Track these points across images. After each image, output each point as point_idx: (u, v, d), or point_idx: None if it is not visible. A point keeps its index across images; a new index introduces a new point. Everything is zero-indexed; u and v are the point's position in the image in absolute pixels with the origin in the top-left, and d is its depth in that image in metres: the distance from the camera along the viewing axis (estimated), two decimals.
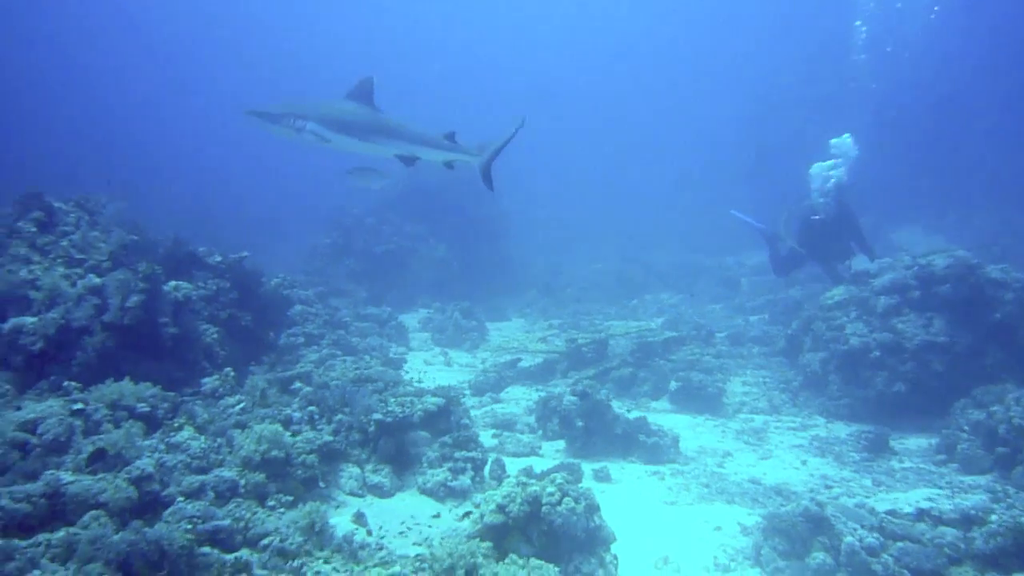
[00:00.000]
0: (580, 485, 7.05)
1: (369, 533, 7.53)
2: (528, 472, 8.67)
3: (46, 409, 7.56)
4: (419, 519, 8.05)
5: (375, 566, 6.26)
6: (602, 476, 9.51)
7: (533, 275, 30.23)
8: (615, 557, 6.65)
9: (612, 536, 6.75)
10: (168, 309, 10.05)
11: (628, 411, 11.59)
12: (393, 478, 8.86)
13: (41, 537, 5.80)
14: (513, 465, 9.57)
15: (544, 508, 6.40)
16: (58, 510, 6.19)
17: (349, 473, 8.70)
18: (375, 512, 8.08)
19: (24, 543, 5.65)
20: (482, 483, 8.97)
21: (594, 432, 10.34)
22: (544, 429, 11.28)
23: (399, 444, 9.07)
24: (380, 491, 8.67)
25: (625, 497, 9.00)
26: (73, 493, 6.28)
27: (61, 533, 5.82)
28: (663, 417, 12.07)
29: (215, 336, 10.83)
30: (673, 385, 13.28)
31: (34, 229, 10.33)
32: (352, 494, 8.50)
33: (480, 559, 5.26)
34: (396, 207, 30.02)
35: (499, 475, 9.12)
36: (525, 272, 30.67)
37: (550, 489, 6.52)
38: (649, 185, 50.76)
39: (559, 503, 6.41)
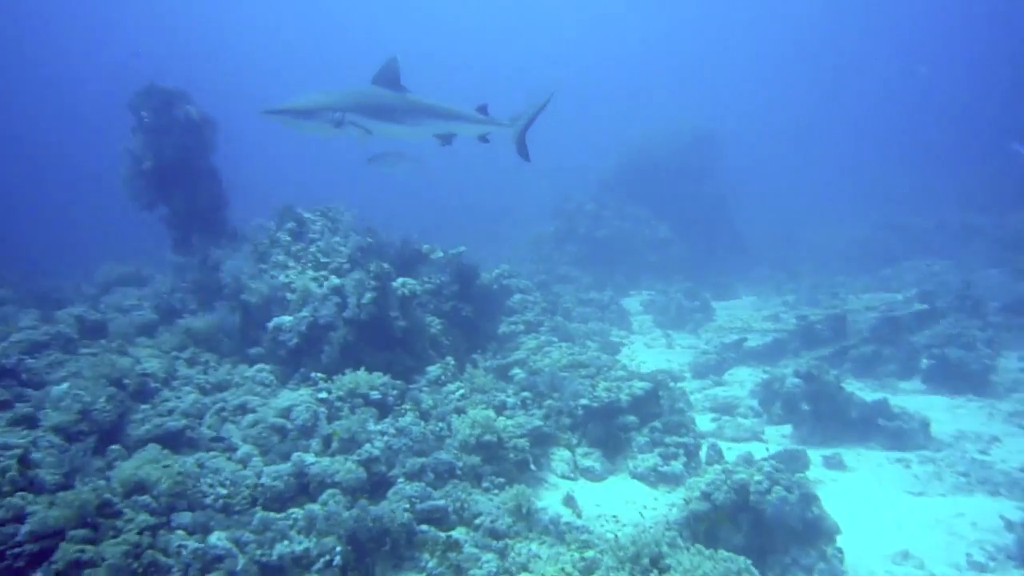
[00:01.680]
0: (806, 473, 6.45)
1: (578, 515, 7.59)
2: (747, 459, 8.09)
3: (298, 397, 8.71)
4: (630, 504, 7.93)
5: (576, 549, 6.27)
6: (833, 463, 8.58)
7: (764, 249, 28.26)
8: (840, 551, 5.97)
9: (836, 528, 6.06)
10: (397, 304, 10.98)
11: (871, 392, 10.31)
12: (604, 462, 8.83)
13: (293, 511, 6.70)
14: (732, 451, 9.02)
15: (752, 497, 5.94)
16: (303, 487, 7.10)
17: (560, 456, 8.84)
18: (585, 495, 8.13)
19: (277, 516, 6.57)
20: (697, 469, 8.58)
21: (824, 416, 9.36)
22: (768, 413, 10.47)
23: (607, 428, 9.00)
24: (591, 475, 8.69)
25: (860, 486, 8.04)
26: (314, 473, 7.16)
27: (309, 508, 6.68)
28: (912, 399, 10.57)
29: (439, 327, 11.63)
30: (925, 363, 11.54)
31: (289, 238, 11.94)
32: (564, 477, 8.64)
33: (665, 548, 5.02)
34: (615, 190, 29.88)
35: (716, 461, 8.64)
36: (756, 246, 28.77)
37: (758, 477, 6.02)
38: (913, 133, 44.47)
39: (768, 491, 5.90)
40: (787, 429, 9.97)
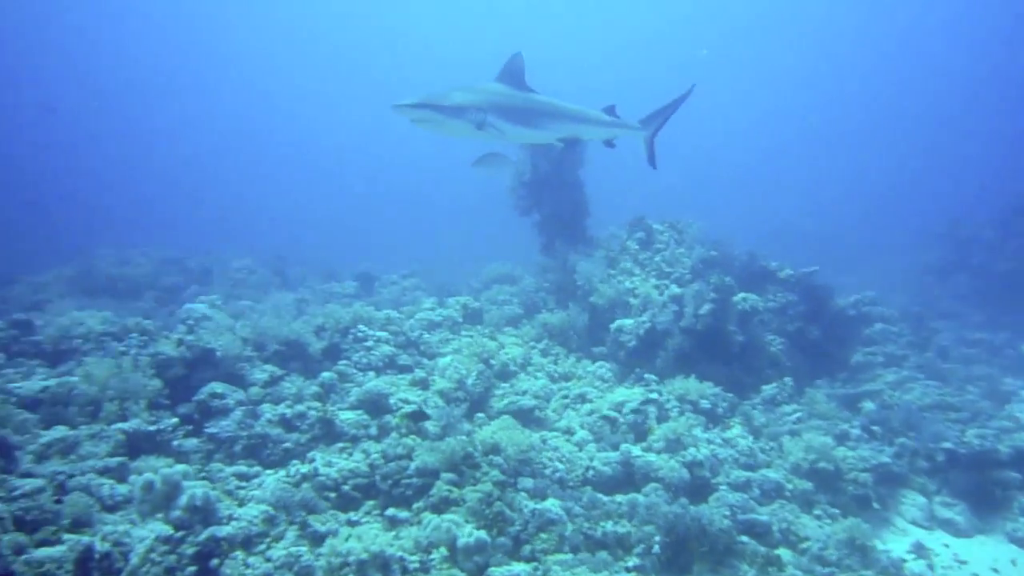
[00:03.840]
0: None
1: (929, 567, 6.72)
2: None
3: (631, 395, 9.23)
4: (1001, 571, 6.73)
5: None
6: None
7: None
8: None
9: None
10: (736, 318, 10.87)
11: None
12: (971, 517, 7.59)
13: (618, 497, 7.22)
14: None
15: None
16: (629, 477, 7.56)
17: (912, 501, 7.86)
18: (942, 548, 7.12)
19: (605, 498, 7.13)
20: None
21: None
22: None
23: (979, 481, 7.70)
24: (952, 528, 7.55)
25: None
26: (639, 466, 7.57)
27: (629, 497, 7.13)
28: None
29: (780, 347, 11.17)
30: None
31: (637, 247, 12.65)
32: (915, 523, 7.66)
33: None
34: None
35: None
36: None
37: None
38: None
39: None
40: None
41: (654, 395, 9.14)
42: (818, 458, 7.86)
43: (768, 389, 9.92)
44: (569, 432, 8.60)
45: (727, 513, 6.78)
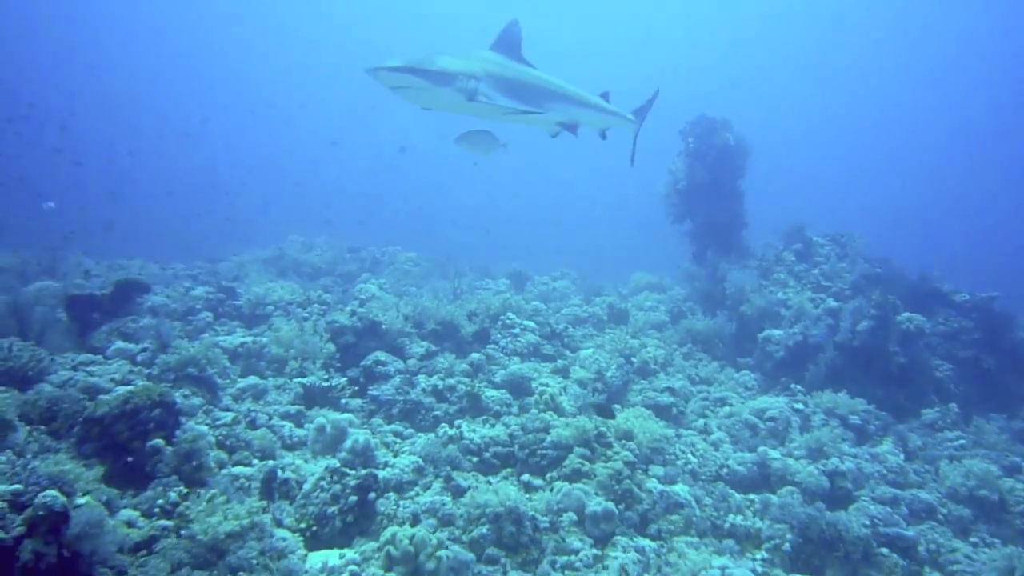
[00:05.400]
0: None
1: None
2: None
3: (774, 403, 9.08)
4: None
5: None
6: None
7: None
8: None
9: None
10: (898, 338, 10.29)
11: None
12: None
13: (751, 495, 7.21)
14: None
15: None
16: (765, 478, 7.50)
17: None
18: None
19: (737, 494, 7.15)
20: None
21: None
22: None
23: None
24: None
25: None
26: (776, 468, 7.49)
27: (762, 496, 7.10)
28: None
29: (948, 372, 10.41)
30: None
31: (793, 258, 12.31)
32: None
33: None
34: None
35: None
36: None
37: None
38: None
39: None
40: None
41: (800, 405, 8.93)
42: (979, 485, 7.33)
43: (929, 413, 9.31)
44: (706, 432, 8.62)
45: (867, 523, 6.54)
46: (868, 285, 11.51)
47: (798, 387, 9.52)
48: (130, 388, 5.96)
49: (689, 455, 7.71)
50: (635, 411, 8.26)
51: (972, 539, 6.93)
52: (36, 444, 5.33)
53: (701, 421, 8.88)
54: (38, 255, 12.32)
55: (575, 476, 6.78)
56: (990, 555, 6.43)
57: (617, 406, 8.97)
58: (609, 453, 7.06)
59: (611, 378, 9.42)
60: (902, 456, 8.10)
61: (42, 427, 5.64)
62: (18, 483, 4.13)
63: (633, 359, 10.18)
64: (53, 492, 4.04)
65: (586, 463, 6.92)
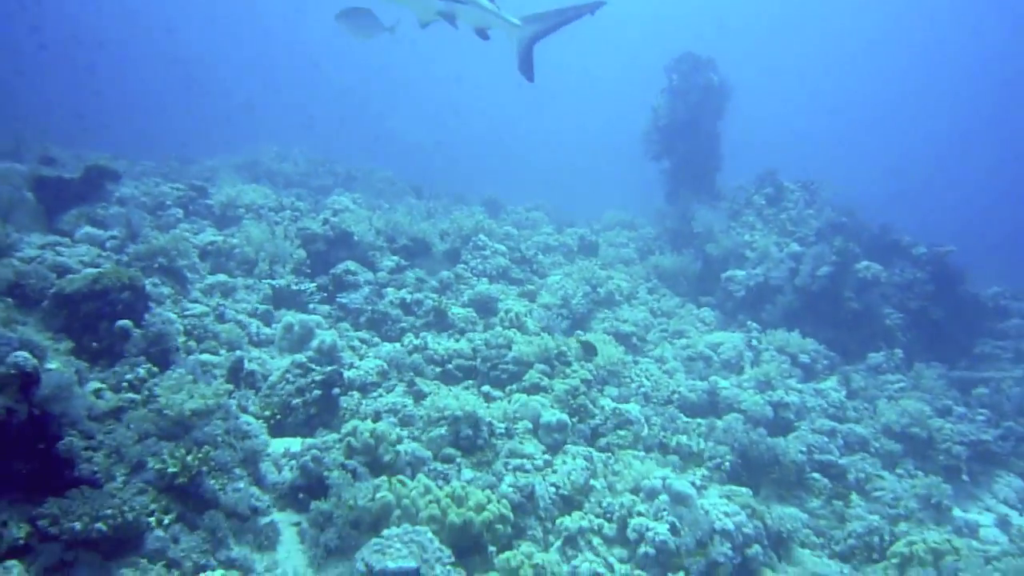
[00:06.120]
0: None
1: (1010, 539, 6.65)
2: None
3: (729, 338, 9.43)
4: None
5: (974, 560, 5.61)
6: None
7: None
8: None
9: None
10: (855, 285, 10.65)
11: None
12: None
13: (698, 419, 7.57)
14: None
15: None
16: (713, 405, 7.87)
17: (1007, 482, 7.67)
18: None
19: (685, 417, 7.50)
20: None
21: None
22: None
23: None
24: None
25: None
26: (724, 396, 7.86)
27: (708, 420, 7.47)
28: None
29: (897, 321, 10.85)
30: None
31: (763, 202, 12.51)
32: (1005, 502, 7.49)
33: None
34: None
35: None
36: None
37: None
38: None
39: None
40: None
41: (754, 342, 9.28)
42: (912, 423, 7.80)
43: (874, 357, 9.75)
44: (661, 360, 8.95)
45: (803, 450, 6.97)
46: (832, 232, 11.79)
47: (754, 325, 9.86)
48: (100, 269, 5.97)
49: (644, 379, 8.03)
50: (596, 336, 8.52)
51: (898, 471, 7.42)
52: (3, 314, 5.36)
53: (659, 351, 9.20)
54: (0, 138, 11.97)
55: (533, 390, 7.04)
56: (912, 483, 6.91)
57: (580, 332, 9.25)
58: (568, 371, 7.33)
59: (576, 305, 9.65)
60: (844, 393, 8.53)
61: (9, 299, 5.65)
62: None
63: (599, 289, 10.40)
64: (24, 353, 4.12)
65: (545, 379, 7.19)
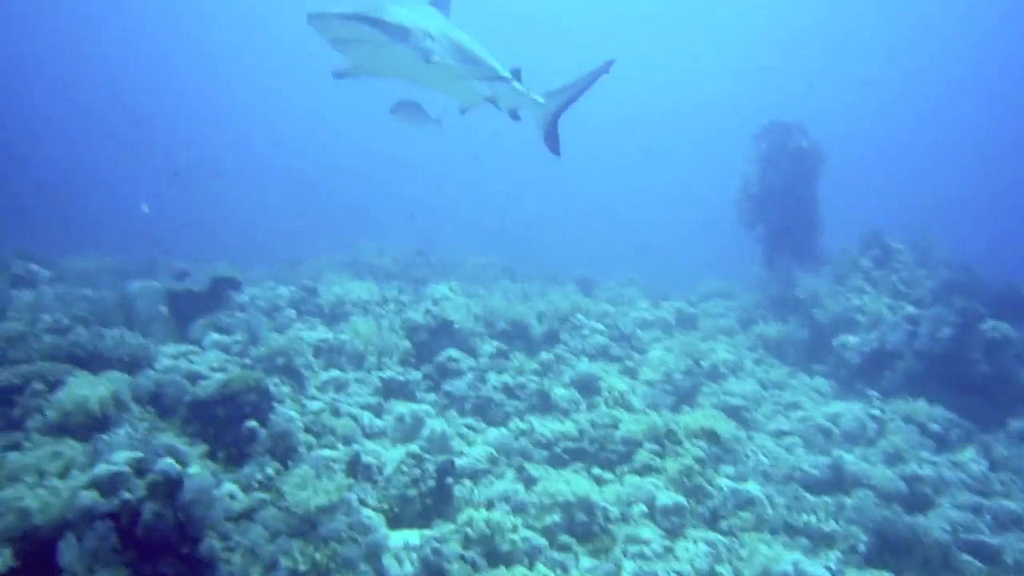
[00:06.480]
0: None
1: None
2: None
3: (849, 408, 8.94)
4: None
5: None
6: None
7: None
8: None
9: None
10: (982, 347, 9.95)
11: None
12: None
13: (824, 497, 7.13)
14: None
15: None
16: (839, 482, 7.41)
17: None
18: None
19: (810, 496, 7.09)
20: None
21: None
22: None
23: None
24: None
25: None
26: (851, 471, 7.39)
27: (835, 497, 7.03)
28: None
29: None
30: None
31: (870, 264, 12.03)
32: None
33: None
34: None
35: None
36: None
37: None
38: None
39: None
40: None
41: (876, 411, 8.76)
42: None
43: (1017, 423, 8.96)
44: (777, 434, 8.57)
45: (947, 528, 6.41)
46: (949, 292, 11.13)
47: (874, 393, 9.33)
48: (228, 374, 6.42)
49: (761, 456, 7.70)
50: (705, 412, 8.28)
51: None
52: (147, 422, 5.82)
53: (773, 424, 8.83)
54: (136, 256, 13.24)
55: (645, 471, 6.88)
56: None
57: (687, 407, 9.03)
58: (679, 450, 7.13)
59: (680, 381, 9.45)
60: (986, 464, 7.86)
61: (150, 408, 6.14)
62: (139, 451, 4.57)
63: (703, 362, 10.17)
64: (170, 460, 4.45)
65: (656, 458, 7.02)
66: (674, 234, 35.98)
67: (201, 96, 53.34)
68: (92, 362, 6.47)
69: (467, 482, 6.61)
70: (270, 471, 5.48)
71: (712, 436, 7.49)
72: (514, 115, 7.45)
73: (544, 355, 9.86)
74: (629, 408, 8.16)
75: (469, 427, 8.07)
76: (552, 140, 7.46)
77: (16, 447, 4.96)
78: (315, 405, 7.39)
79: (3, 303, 8.45)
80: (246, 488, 5.36)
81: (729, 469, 7.35)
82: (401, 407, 7.71)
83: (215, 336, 8.26)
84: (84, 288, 10.16)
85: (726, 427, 7.80)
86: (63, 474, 4.42)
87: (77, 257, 12.70)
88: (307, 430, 6.81)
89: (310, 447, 6.47)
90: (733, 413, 8.87)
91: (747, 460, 7.60)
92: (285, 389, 7.46)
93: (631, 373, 9.86)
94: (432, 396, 8.76)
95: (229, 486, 5.30)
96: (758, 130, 13.90)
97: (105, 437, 4.91)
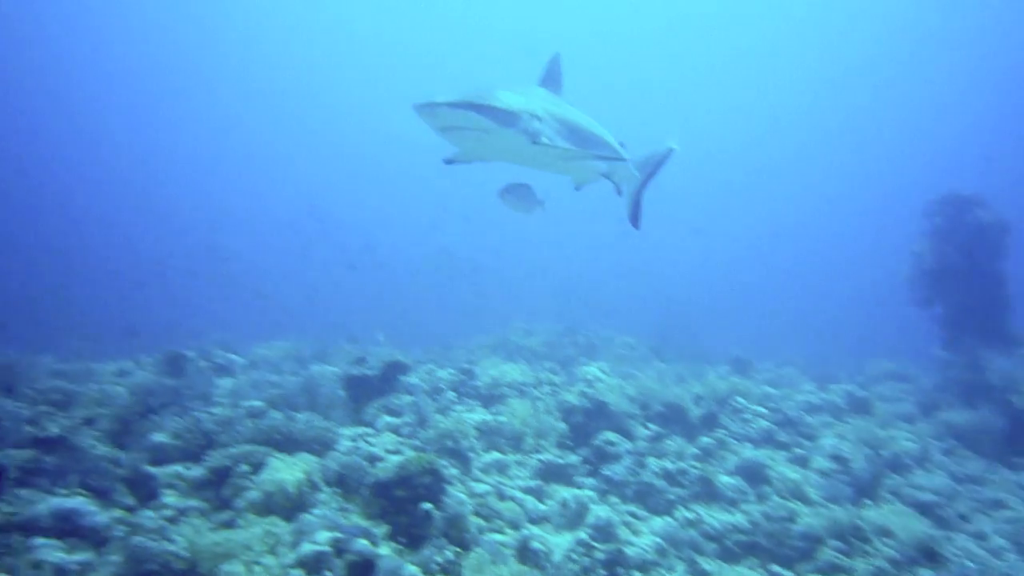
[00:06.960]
0: None
1: None
2: None
3: None
4: None
5: None
6: None
7: None
8: None
9: None
10: None
11: None
12: None
13: None
14: None
15: None
16: None
17: None
18: None
19: None
20: None
21: None
22: None
23: None
24: None
25: None
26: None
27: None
28: None
29: None
30: None
31: None
32: None
33: None
34: None
35: None
36: None
37: None
38: None
39: None
40: None
41: None
42: None
43: None
44: (980, 536, 7.65)
45: None
46: None
47: None
48: (404, 456, 6.75)
49: (964, 560, 6.89)
50: (892, 507, 7.60)
51: None
52: (335, 503, 6.22)
53: (974, 525, 7.90)
54: (311, 342, 14.43)
55: (831, 570, 6.37)
56: None
57: (869, 502, 8.32)
58: (868, 549, 6.56)
59: (858, 470, 8.75)
60: None
61: (337, 488, 6.56)
62: (337, 531, 4.90)
63: (882, 451, 9.38)
64: (364, 541, 4.73)
65: (843, 557, 6.49)
66: (821, 309, 33.97)
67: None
68: (286, 444, 7.05)
69: (636, 574, 6.43)
70: (449, 555, 5.63)
71: (906, 534, 6.83)
72: (618, 189, 7.49)
73: (704, 439, 9.53)
74: (805, 500, 7.65)
75: (632, 514, 7.89)
76: (637, 212, 7.57)
77: (229, 525, 5.47)
78: (481, 487, 7.56)
79: (210, 391, 9.47)
80: (426, 571, 5.54)
81: (928, 573, 6.64)
82: (564, 492, 7.70)
83: (387, 418, 8.74)
84: (271, 374, 11.19)
85: (919, 525, 7.09)
86: (272, 551, 4.82)
87: (263, 343, 14.02)
88: (476, 513, 6.97)
89: (480, 530, 6.60)
90: (925, 510, 8.07)
91: (948, 564, 6.83)
92: (453, 471, 7.71)
93: (801, 461, 9.26)
94: (591, 480, 8.68)
95: (411, 568, 5.51)
96: (928, 204, 13.06)
97: (307, 516, 5.30)
